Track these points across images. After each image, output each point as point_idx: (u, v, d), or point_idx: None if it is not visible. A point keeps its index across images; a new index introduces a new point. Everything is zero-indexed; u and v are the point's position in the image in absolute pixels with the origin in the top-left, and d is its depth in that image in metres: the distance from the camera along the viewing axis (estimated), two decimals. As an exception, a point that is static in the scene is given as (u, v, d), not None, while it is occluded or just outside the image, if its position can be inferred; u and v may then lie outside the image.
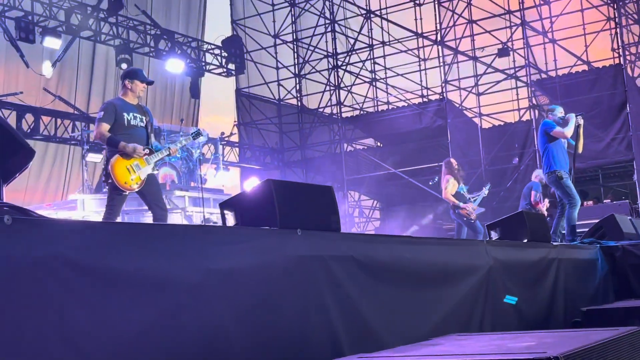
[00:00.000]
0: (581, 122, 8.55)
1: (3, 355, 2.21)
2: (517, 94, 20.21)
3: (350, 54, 20.41)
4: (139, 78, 6.78)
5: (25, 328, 2.27)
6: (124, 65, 14.92)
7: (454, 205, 10.82)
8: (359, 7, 20.39)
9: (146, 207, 6.88)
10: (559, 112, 8.69)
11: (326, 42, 20.32)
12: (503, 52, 18.88)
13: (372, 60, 21.10)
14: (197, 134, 7.63)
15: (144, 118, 6.80)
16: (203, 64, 17.92)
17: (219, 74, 18.79)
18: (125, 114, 6.64)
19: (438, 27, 19.52)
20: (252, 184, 10.00)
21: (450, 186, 10.80)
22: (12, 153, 3.19)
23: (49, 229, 2.48)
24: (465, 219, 10.74)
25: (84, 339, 2.43)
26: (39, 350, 2.31)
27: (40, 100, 15.18)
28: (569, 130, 8.43)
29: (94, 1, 14.94)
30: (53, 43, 13.98)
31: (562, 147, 8.53)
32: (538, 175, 12.16)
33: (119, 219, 7.02)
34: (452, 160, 11.40)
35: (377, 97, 21.94)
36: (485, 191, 11.85)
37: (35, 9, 13.86)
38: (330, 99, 20.32)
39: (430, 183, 12.45)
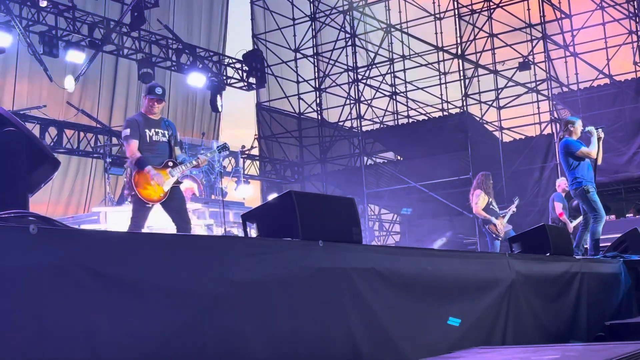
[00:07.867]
0: (602, 135, 8.48)
1: (28, 364, 2.22)
2: (539, 108, 20.11)
3: (370, 67, 20.41)
4: (150, 94, 6.80)
5: (50, 337, 2.29)
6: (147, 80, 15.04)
7: (484, 221, 10.61)
8: (379, 21, 20.41)
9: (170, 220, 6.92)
10: (579, 125, 8.62)
11: (346, 56, 20.34)
12: (524, 65, 18.80)
13: (392, 74, 21.09)
14: (223, 147, 7.62)
15: (166, 133, 6.82)
16: (224, 77, 18.00)
17: (240, 87, 18.86)
18: (147, 130, 6.68)
19: (458, 41, 19.51)
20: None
21: (480, 201, 10.56)
22: (37, 164, 3.22)
23: (74, 238, 2.51)
24: (494, 235, 10.58)
25: (108, 348, 2.44)
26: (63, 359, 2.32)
27: (63, 113, 15.33)
28: (594, 149, 8.34)
29: (117, 16, 15.10)
30: (76, 57, 14.13)
31: (587, 162, 8.47)
32: (561, 184, 12.05)
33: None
34: (488, 174, 10.93)
35: (397, 110, 21.94)
36: (513, 208, 11.38)
37: (59, 24, 14.02)
38: (350, 113, 20.33)
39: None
